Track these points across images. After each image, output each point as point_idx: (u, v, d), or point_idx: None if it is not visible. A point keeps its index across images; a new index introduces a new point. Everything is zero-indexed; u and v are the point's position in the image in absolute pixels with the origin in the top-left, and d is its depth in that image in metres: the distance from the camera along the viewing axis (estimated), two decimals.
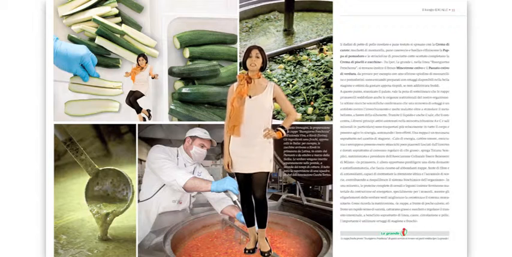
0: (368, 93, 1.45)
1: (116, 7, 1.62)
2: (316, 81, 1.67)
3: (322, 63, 1.74)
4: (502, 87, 1.46)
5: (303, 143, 1.52)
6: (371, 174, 1.45)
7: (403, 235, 1.44)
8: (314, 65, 1.75)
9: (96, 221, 1.46)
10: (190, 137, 1.66)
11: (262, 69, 1.33)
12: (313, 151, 1.52)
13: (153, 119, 1.62)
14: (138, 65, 1.57)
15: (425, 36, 1.45)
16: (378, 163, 1.45)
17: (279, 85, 1.50)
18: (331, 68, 1.66)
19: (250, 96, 1.30)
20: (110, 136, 1.68)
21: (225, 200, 1.64)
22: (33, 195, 1.44)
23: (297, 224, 1.63)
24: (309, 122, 1.54)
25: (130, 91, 1.59)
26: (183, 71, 1.66)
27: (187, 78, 1.69)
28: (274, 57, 1.84)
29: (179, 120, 1.64)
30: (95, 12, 1.59)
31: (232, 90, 1.33)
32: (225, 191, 1.52)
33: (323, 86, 1.66)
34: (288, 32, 1.92)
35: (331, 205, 1.46)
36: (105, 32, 1.59)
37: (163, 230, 1.55)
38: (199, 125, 1.67)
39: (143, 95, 1.60)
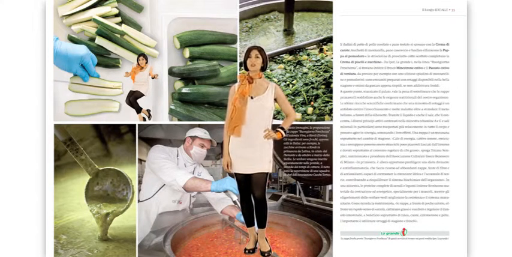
0: (368, 93, 1.45)
1: (116, 7, 1.62)
2: (316, 81, 1.67)
3: (322, 63, 1.74)
4: (502, 87, 1.46)
5: (303, 143, 1.52)
6: (371, 174, 1.45)
7: (403, 235, 1.44)
8: (314, 65, 1.75)
9: (96, 221, 1.46)
10: (190, 137, 1.66)
11: (263, 69, 1.33)
12: (313, 151, 1.52)
13: (153, 119, 1.62)
14: (138, 64, 1.57)
15: (425, 36, 1.45)
16: (378, 163, 1.45)
17: (279, 85, 1.50)
18: (331, 68, 1.66)
19: (252, 97, 1.30)
20: (110, 136, 1.68)
21: (225, 200, 1.64)
22: (33, 195, 1.43)
23: (297, 224, 1.63)
24: (309, 122, 1.54)
25: (131, 91, 1.59)
26: (183, 71, 1.66)
27: (187, 78, 1.69)
28: (274, 57, 1.84)
29: (179, 120, 1.64)
30: (95, 12, 1.59)
31: (233, 91, 1.33)
32: (225, 191, 1.52)
33: (323, 86, 1.66)
34: (288, 32, 1.92)
35: (331, 205, 1.46)
36: (105, 32, 1.59)
37: (163, 230, 1.55)
38: (199, 125, 1.67)
39: (143, 95, 1.60)
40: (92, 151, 1.65)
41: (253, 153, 1.30)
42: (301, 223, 1.61)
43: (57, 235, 1.45)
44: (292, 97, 1.66)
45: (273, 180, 1.85)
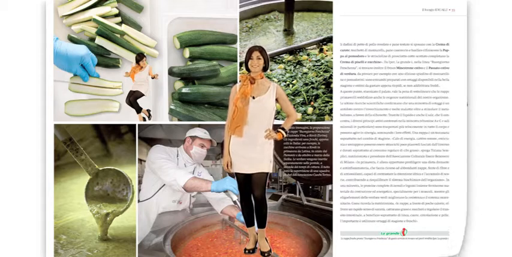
0: (368, 93, 1.45)
1: (116, 7, 1.62)
2: (316, 81, 1.67)
3: (322, 63, 1.74)
4: (502, 87, 1.46)
5: (303, 143, 1.52)
6: (371, 174, 1.45)
7: (403, 235, 1.44)
8: (314, 65, 1.75)
9: (96, 221, 1.46)
10: (190, 137, 1.66)
11: (265, 69, 1.33)
12: (313, 151, 1.52)
13: (153, 119, 1.62)
14: (138, 64, 1.57)
15: (425, 36, 1.45)
16: (377, 163, 1.45)
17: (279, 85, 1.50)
18: (331, 68, 1.66)
19: (253, 97, 1.30)
20: (110, 136, 1.68)
21: (225, 200, 1.64)
22: (33, 195, 1.43)
23: (297, 224, 1.63)
24: (309, 122, 1.54)
25: (131, 91, 1.59)
26: (183, 71, 1.66)
27: (187, 78, 1.69)
28: (274, 57, 1.84)
29: (179, 120, 1.64)
30: (95, 12, 1.59)
31: (235, 91, 1.33)
32: (225, 191, 1.52)
33: (323, 86, 1.66)
34: (288, 32, 1.92)
35: (331, 205, 1.47)
36: (105, 32, 1.59)
37: (163, 230, 1.55)
38: (199, 125, 1.67)
39: (143, 95, 1.60)
40: (92, 151, 1.65)
41: (254, 153, 1.30)
42: (301, 223, 1.62)
43: (57, 235, 1.45)
44: (292, 97, 1.66)
45: (273, 180, 1.84)
